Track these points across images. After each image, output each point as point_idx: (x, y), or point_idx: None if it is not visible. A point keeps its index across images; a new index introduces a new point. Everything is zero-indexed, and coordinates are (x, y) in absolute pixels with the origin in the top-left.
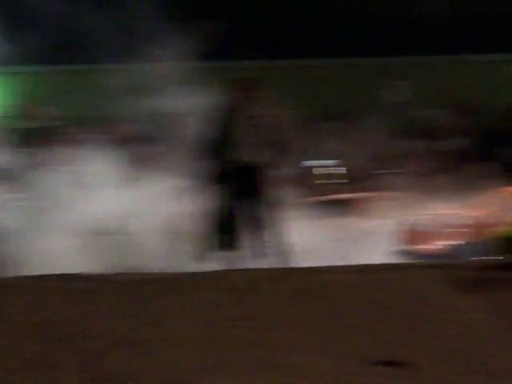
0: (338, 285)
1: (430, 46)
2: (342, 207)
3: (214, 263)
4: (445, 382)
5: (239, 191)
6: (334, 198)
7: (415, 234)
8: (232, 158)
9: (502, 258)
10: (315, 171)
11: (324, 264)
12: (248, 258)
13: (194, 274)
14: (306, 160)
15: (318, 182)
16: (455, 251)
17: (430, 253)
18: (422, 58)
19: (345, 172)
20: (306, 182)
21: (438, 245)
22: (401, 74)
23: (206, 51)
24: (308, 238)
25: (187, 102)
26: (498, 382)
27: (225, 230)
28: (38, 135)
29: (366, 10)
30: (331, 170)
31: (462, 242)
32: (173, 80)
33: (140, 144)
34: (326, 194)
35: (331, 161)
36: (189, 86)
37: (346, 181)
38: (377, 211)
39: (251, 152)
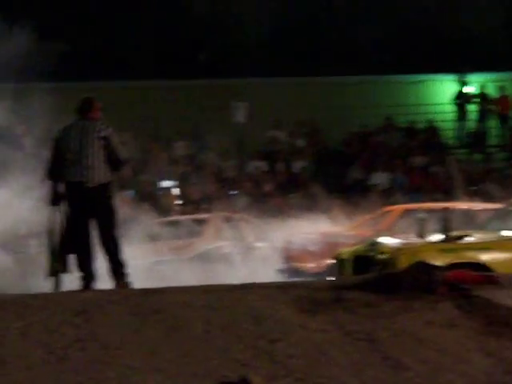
0: (187, 305)
1: (277, 67)
2: (191, 227)
3: (58, 284)
4: None
5: (77, 212)
6: (186, 218)
7: (297, 253)
8: (70, 178)
9: (334, 278)
10: (172, 191)
11: (172, 285)
12: (89, 278)
13: (38, 295)
14: (160, 180)
15: (175, 202)
16: (331, 269)
17: (308, 271)
18: (267, 80)
19: (181, 193)
20: (162, 202)
21: (317, 263)
22: (245, 94)
23: (48, 71)
24: (154, 259)
25: (29, 121)
26: None
27: (65, 251)
28: None
29: (212, 32)
30: (175, 191)
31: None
32: (15, 100)
33: None
34: (180, 214)
35: (172, 181)
36: (31, 107)
37: (181, 202)
38: (224, 231)
39: (90, 172)
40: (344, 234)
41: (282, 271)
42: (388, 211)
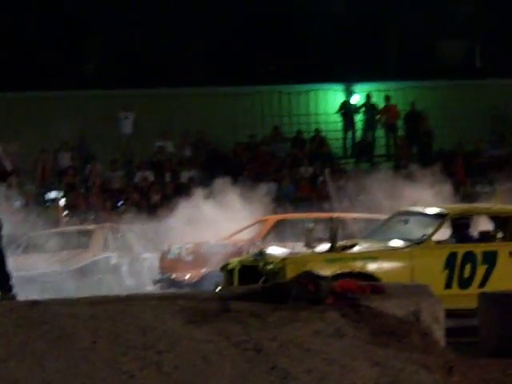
0: (74, 317)
1: (164, 77)
2: (77, 239)
3: None
4: None
5: None
6: (73, 230)
7: (172, 263)
8: None
9: (219, 290)
10: (59, 202)
11: (58, 296)
12: None
13: None
14: (48, 191)
15: (62, 213)
16: (207, 279)
17: (185, 281)
18: (154, 90)
19: (68, 204)
20: (48, 213)
21: (193, 273)
22: (131, 105)
23: None
24: (40, 271)
25: None
26: None
27: None
28: None
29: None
30: (62, 202)
31: (213, 270)
32: None
33: None
34: (66, 226)
35: (58, 192)
36: None
37: (68, 213)
38: (111, 243)
39: None
40: (218, 244)
41: (158, 281)
42: (262, 221)
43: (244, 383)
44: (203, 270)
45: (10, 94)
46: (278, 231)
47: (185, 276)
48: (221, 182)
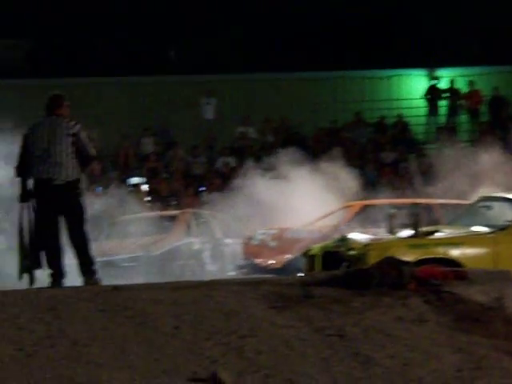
0: (157, 302)
1: (248, 63)
2: (160, 224)
3: (31, 280)
4: None
5: (46, 209)
6: (155, 215)
7: (256, 249)
8: (38, 175)
9: (303, 274)
10: (142, 188)
11: (141, 281)
12: (58, 275)
13: (7, 292)
14: (130, 177)
15: (144, 198)
16: (291, 265)
17: (268, 266)
18: (237, 76)
19: (150, 190)
20: (131, 199)
21: (277, 259)
22: (213, 91)
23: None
24: (123, 256)
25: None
26: None
27: (34, 248)
28: None
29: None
30: (144, 188)
31: (297, 256)
32: None
33: None
34: (149, 211)
35: (140, 178)
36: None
37: (150, 198)
38: (193, 228)
39: (58, 169)
40: (303, 230)
41: (241, 267)
42: (347, 206)
43: (326, 369)
44: (287, 256)
45: (93, 79)
46: (363, 217)
47: (268, 262)
48: (302, 168)
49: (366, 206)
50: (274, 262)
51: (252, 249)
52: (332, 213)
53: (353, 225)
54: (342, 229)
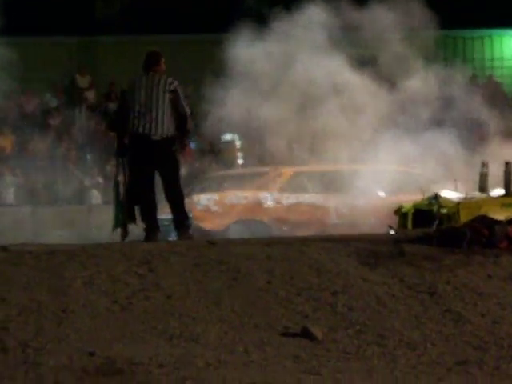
0: (250, 257)
1: None
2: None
3: (124, 234)
4: (357, 354)
5: (142, 164)
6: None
7: (201, 213)
8: (136, 130)
9: (395, 232)
10: (235, 144)
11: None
12: (153, 229)
13: (103, 245)
14: (224, 134)
15: (237, 155)
16: (232, 229)
17: (212, 230)
18: None
19: (241, 146)
20: (227, 156)
21: (219, 223)
22: None
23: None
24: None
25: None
26: (407, 355)
27: (130, 202)
28: None
29: None
30: (237, 144)
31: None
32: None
33: None
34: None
35: (234, 134)
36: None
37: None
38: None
39: (156, 125)
40: (241, 196)
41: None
42: (280, 173)
43: (417, 326)
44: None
45: (185, 36)
46: (294, 183)
47: (211, 225)
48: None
49: (296, 173)
50: (215, 225)
51: (197, 213)
52: (266, 179)
53: (284, 190)
54: (274, 194)
